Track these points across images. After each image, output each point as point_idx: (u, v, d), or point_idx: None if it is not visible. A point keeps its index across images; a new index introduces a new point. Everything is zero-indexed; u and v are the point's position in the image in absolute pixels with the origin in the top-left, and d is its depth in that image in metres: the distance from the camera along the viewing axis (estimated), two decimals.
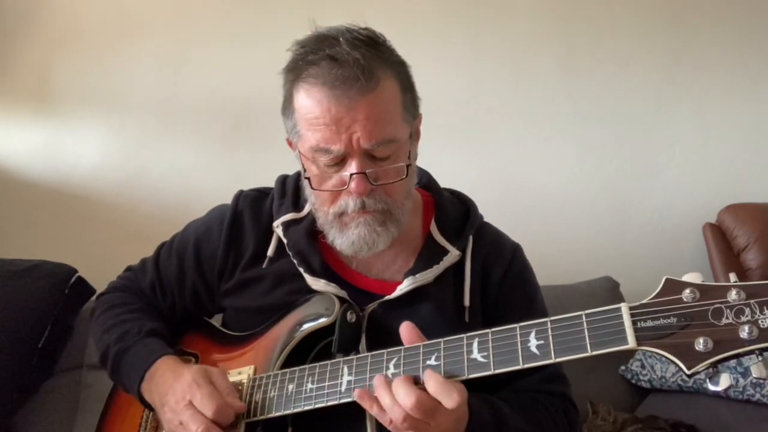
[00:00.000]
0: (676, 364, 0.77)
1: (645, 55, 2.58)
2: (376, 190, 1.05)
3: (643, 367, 2.11)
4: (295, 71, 1.05)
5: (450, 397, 0.87)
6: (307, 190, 1.13)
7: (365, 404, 0.93)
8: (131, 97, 2.38)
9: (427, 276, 1.13)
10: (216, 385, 1.04)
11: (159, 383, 1.09)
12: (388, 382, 0.91)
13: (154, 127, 2.39)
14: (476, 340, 0.92)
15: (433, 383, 0.89)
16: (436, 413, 0.88)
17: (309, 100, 1.03)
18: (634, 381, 2.14)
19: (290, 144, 1.16)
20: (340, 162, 1.04)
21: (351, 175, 1.03)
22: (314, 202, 1.12)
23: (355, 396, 0.94)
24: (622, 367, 2.17)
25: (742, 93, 2.61)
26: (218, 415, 1.00)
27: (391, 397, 0.90)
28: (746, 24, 2.62)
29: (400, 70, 1.08)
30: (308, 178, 1.09)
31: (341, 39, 1.02)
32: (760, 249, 2.37)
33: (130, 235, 2.29)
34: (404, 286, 1.12)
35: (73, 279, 1.99)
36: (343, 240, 1.09)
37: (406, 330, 0.96)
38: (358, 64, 1.00)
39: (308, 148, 1.06)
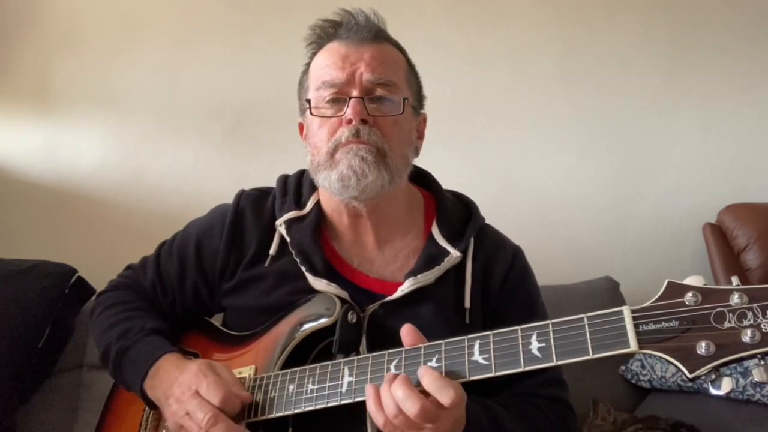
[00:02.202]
0: (678, 368, 0.77)
1: (645, 56, 2.58)
2: (370, 122, 1.10)
3: (643, 367, 2.11)
4: (316, 43, 1.19)
5: (446, 395, 0.87)
6: (308, 147, 1.18)
7: (369, 399, 0.93)
8: (131, 97, 2.38)
9: (429, 277, 1.13)
10: (221, 376, 1.04)
11: (163, 379, 1.09)
12: (390, 383, 0.91)
13: (154, 127, 2.39)
14: (477, 341, 0.92)
15: (428, 379, 0.89)
16: (437, 418, 0.88)
17: (322, 55, 1.16)
18: (634, 381, 2.14)
19: (301, 130, 1.22)
20: (341, 101, 1.11)
21: (348, 99, 1.09)
22: (312, 152, 1.16)
23: (366, 388, 0.94)
24: (622, 367, 2.17)
25: (742, 93, 2.61)
26: (225, 403, 0.99)
27: (391, 397, 0.89)
28: (746, 24, 2.62)
29: (407, 57, 1.20)
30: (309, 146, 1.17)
31: (357, 15, 1.17)
32: (760, 249, 2.37)
33: (130, 235, 2.29)
34: (405, 287, 1.12)
35: (73, 279, 1.98)
36: (332, 174, 1.10)
37: (407, 332, 0.96)
38: (370, 23, 1.16)
39: (313, 91, 1.14)
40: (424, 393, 0.89)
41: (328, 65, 1.13)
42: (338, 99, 1.12)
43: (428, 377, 0.89)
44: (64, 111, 2.36)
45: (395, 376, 0.91)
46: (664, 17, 2.59)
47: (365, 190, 1.10)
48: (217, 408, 0.99)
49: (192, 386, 1.02)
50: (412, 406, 0.86)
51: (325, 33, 1.18)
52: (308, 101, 1.15)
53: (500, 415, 1.04)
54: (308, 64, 1.20)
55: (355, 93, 1.10)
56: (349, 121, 1.09)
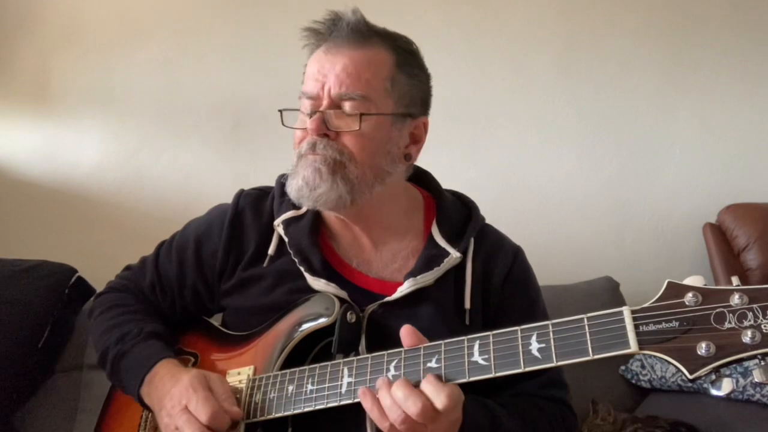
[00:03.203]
0: (679, 369, 0.76)
1: (645, 56, 2.58)
2: (331, 136, 1.10)
3: (643, 367, 2.11)
4: (313, 44, 1.16)
5: (439, 400, 0.88)
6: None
7: (366, 403, 0.93)
8: (131, 97, 2.38)
9: (428, 278, 1.13)
10: (213, 391, 1.04)
11: (158, 387, 1.09)
12: (389, 383, 0.92)
13: (154, 128, 2.39)
14: (477, 342, 0.92)
15: (425, 383, 0.90)
16: (436, 418, 0.89)
17: (311, 61, 1.14)
18: (634, 381, 2.14)
19: None
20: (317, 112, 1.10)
21: (312, 114, 1.09)
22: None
23: (359, 393, 0.94)
24: (622, 367, 2.17)
25: (742, 93, 2.61)
26: (213, 420, 0.99)
27: (392, 399, 0.90)
28: (746, 24, 2.61)
29: (403, 55, 1.14)
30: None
31: (341, 16, 1.13)
32: (760, 249, 2.37)
33: (130, 235, 2.29)
34: (405, 288, 1.11)
35: (73, 279, 1.99)
36: (292, 183, 1.12)
37: (406, 333, 0.96)
38: (351, 27, 1.11)
39: (300, 98, 1.14)
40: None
41: (308, 75, 1.13)
42: (312, 112, 1.12)
43: (425, 381, 0.90)
44: (64, 111, 2.36)
45: (388, 381, 0.92)
46: (664, 17, 2.59)
47: (318, 200, 1.10)
48: (205, 425, 0.99)
49: (182, 401, 1.02)
50: (413, 405, 0.87)
51: (315, 37, 1.16)
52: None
53: (499, 415, 1.04)
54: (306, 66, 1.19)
55: (324, 106, 1.10)
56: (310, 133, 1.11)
